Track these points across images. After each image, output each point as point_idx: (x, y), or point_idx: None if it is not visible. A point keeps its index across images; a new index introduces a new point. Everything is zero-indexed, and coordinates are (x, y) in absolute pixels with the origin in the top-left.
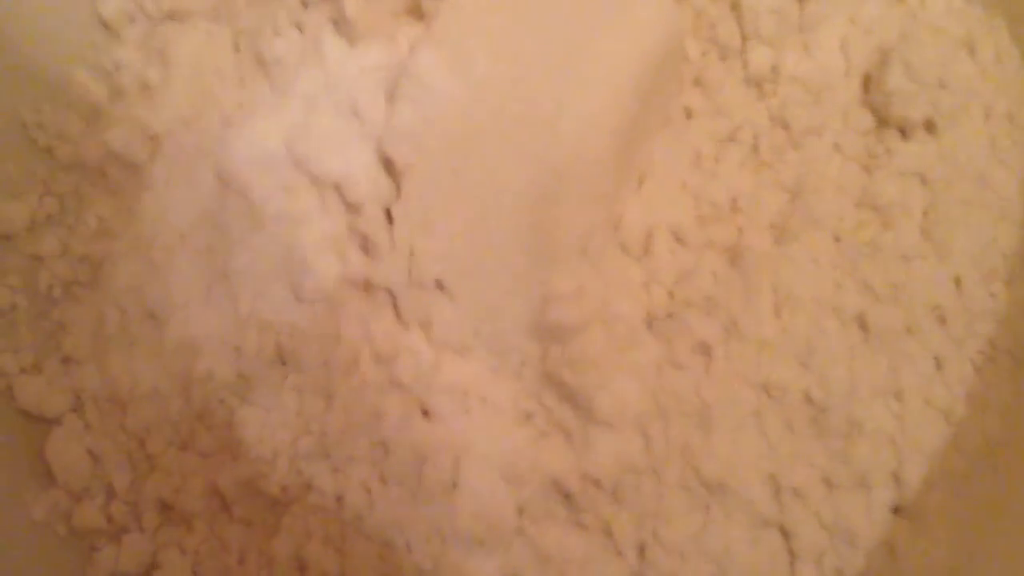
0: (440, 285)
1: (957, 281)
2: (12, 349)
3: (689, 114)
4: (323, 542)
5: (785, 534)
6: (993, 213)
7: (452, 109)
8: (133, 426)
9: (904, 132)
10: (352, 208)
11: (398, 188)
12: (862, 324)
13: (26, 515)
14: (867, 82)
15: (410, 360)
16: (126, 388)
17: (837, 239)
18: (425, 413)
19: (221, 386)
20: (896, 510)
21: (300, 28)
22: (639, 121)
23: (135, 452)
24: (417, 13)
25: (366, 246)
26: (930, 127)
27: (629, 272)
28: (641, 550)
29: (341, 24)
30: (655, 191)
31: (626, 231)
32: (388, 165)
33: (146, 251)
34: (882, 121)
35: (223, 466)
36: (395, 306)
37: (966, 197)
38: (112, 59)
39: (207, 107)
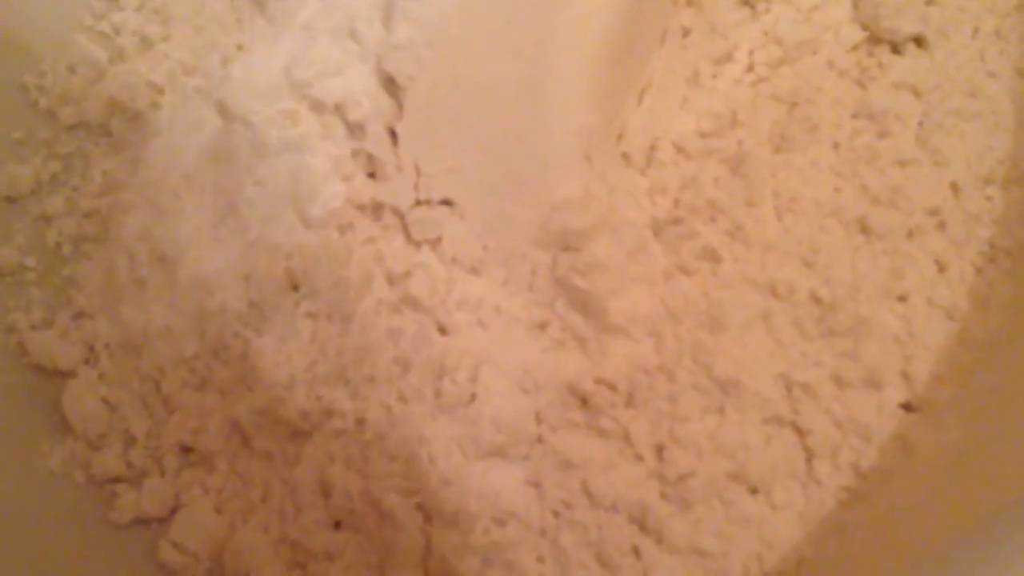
0: (448, 201)
1: (954, 186)
2: (23, 307)
3: (686, 33)
4: (346, 464)
5: (799, 431)
6: (985, 122)
7: (448, 21)
8: (148, 370)
9: (895, 47)
10: (356, 130)
11: (400, 106)
12: (863, 227)
13: (43, 465)
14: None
15: (423, 278)
16: (139, 332)
17: (835, 146)
18: (441, 329)
19: (235, 318)
20: (906, 406)
21: None
22: (633, 30)
23: (151, 397)
24: None
25: (372, 168)
26: (920, 42)
27: (634, 182)
28: (659, 451)
29: None
30: (656, 106)
31: (629, 143)
32: (389, 84)
33: (153, 197)
34: (873, 37)
35: (241, 399)
36: (404, 225)
37: (958, 108)
38: (112, 23)
39: (207, 53)
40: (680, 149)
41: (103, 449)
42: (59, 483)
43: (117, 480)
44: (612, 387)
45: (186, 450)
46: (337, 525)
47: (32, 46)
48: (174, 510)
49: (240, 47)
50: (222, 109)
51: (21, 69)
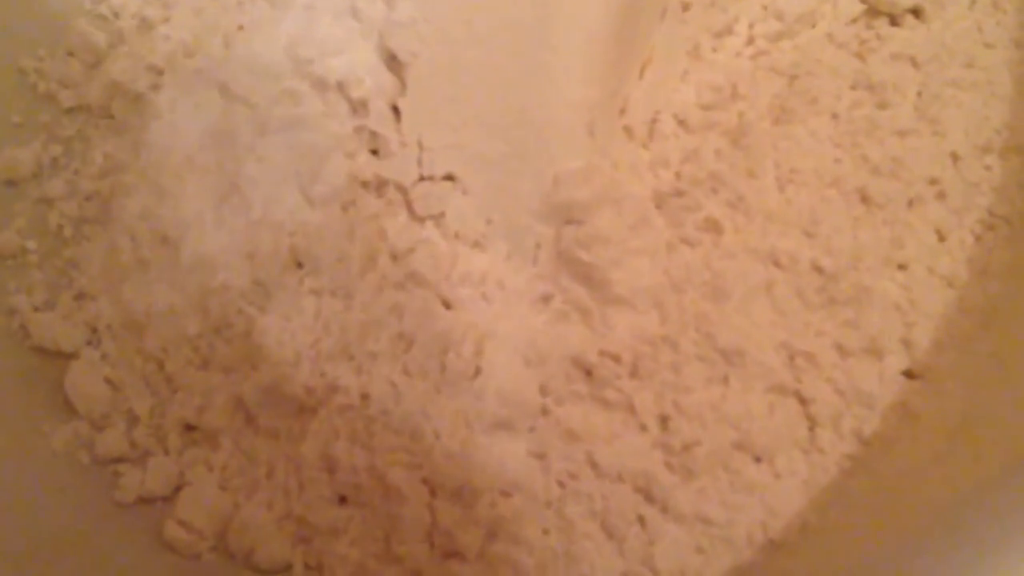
0: (451, 177)
1: (953, 156)
2: (24, 289)
3: (686, 7)
4: (351, 440)
5: (801, 400)
6: (983, 92)
7: None
8: (151, 349)
9: (893, 19)
10: (358, 108)
11: (403, 83)
12: (864, 197)
13: (47, 447)
14: None
15: (426, 253)
16: (141, 312)
17: (835, 117)
18: (445, 304)
19: (238, 296)
20: (908, 373)
21: None
22: (634, 4)
23: (154, 376)
24: None
25: (375, 145)
26: (918, 13)
27: (636, 155)
28: (663, 421)
29: None
30: (657, 79)
31: (631, 117)
32: (391, 61)
33: (155, 178)
34: (871, 9)
35: (245, 377)
36: (407, 202)
37: (956, 78)
38: (111, 6)
39: (208, 34)
40: (681, 122)
41: (106, 429)
42: (63, 464)
43: (121, 460)
44: (616, 358)
45: (190, 429)
46: (342, 500)
47: (31, 30)
48: (178, 489)
49: (241, 28)
50: (224, 90)
51: (20, 53)
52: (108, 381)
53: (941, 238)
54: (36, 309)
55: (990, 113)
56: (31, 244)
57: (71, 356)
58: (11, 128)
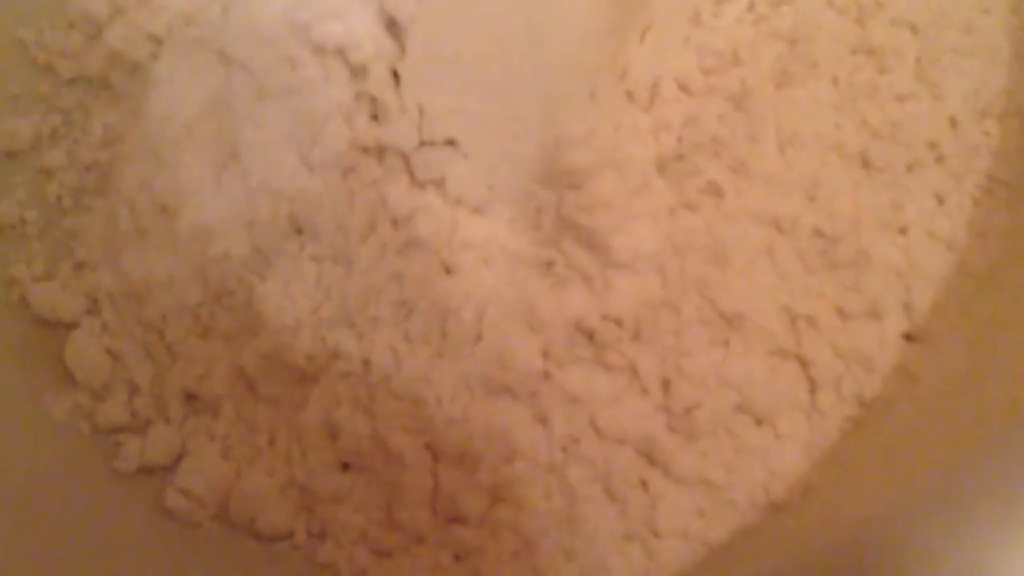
0: (451, 141)
1: (952, 120)
2: (24, 260)
3: None
4: (353, 406)
5: (802, 363)
6: (981, 58)
7: None
8: (151, 319)
9: None
10: (358, 73)
11: (402, 47)
12: (864, 161)
13: (47, 417)
14: None
15: (427, 219)
16: (141, 282)
17: (835, 82)
18: (446, 269)
19: (238, 264)
20: (908, 336)
21: None
22: None
23: (154, 346)
24: None
25: (374, 111)
26: None
27: (637, 119)
28: (665, 384)
29: None
30: (658, 44)
31: (632, 82)
32: (391, 25)
33: (154, 148)
34: None
35: (246, 345)
36: (408, 167)
37: (955, 44)
38: None
39: (206, 2)
40: (683, 86)
41: (107, 399)
42: (64, 434)
43: (121, 429)
44: (618, 322)
45: (191, 398)
46: (344, 467)
47: (29, 2)
48: (179, 458)
49: None
50: (223, 56)
51: (20, 25)
52: (108, 351)
53: (940, 202)
54: (36, 279)
55: (988, 78)
56: (30, 215)
57: (71, 326)
58: (10, 99)
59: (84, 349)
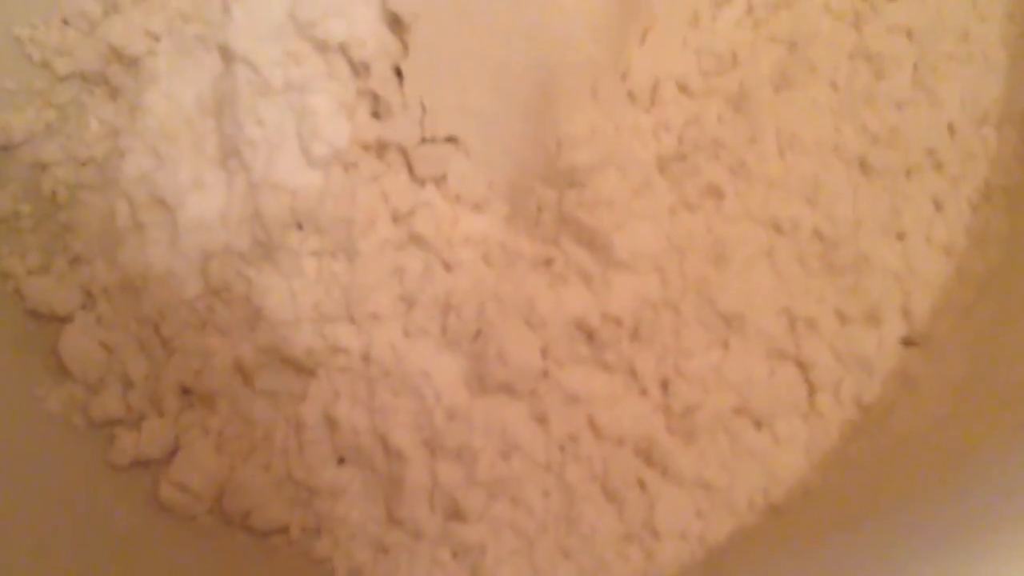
0: (453, 139)
1: (950, 127)
2: (18, 253)
3: None
4: (352, 401)
5: (801, 365)
6: (978, 65)
7: None
8: (147, 312)
9: None
10: (361, 69)
11: (405, 45)
12: (863, 165)
13: (42, 409)
14: None
15: (427, 215)
16: (138, 275)
17: (834, 86)
18: (445, 266)
19: (238, 258)
20: (907, 341)
21: None
22: None
23: (150, 339)
24: None
25: (376, 108)
26: None
27: (638, 120)
28: (664, 385)
29: None
30: (658, 46)
31: (633, 82)
32: (394, 23)
33: (152, 143)
34: None
35: (244, 339)
36: (408, 164)
37: (952, 51)
38: None
39: (206, 1)
40: (683, 88)
41: (101, 392)
42: (58, 426)
43: (116, 423)
44: (618, 322)
45: (186, 391)
46: (342, 462)
47: (23, 0)
48: (174, 451)
49: None
50: (225, 52)
51: (13, 22)
52: (103, 344)
53: (939, 207)
54: (30, 272)
55: (986, 85)
56: (25, 208)
57: (65, 319)
58: (5, 94)
59: (78, 342)
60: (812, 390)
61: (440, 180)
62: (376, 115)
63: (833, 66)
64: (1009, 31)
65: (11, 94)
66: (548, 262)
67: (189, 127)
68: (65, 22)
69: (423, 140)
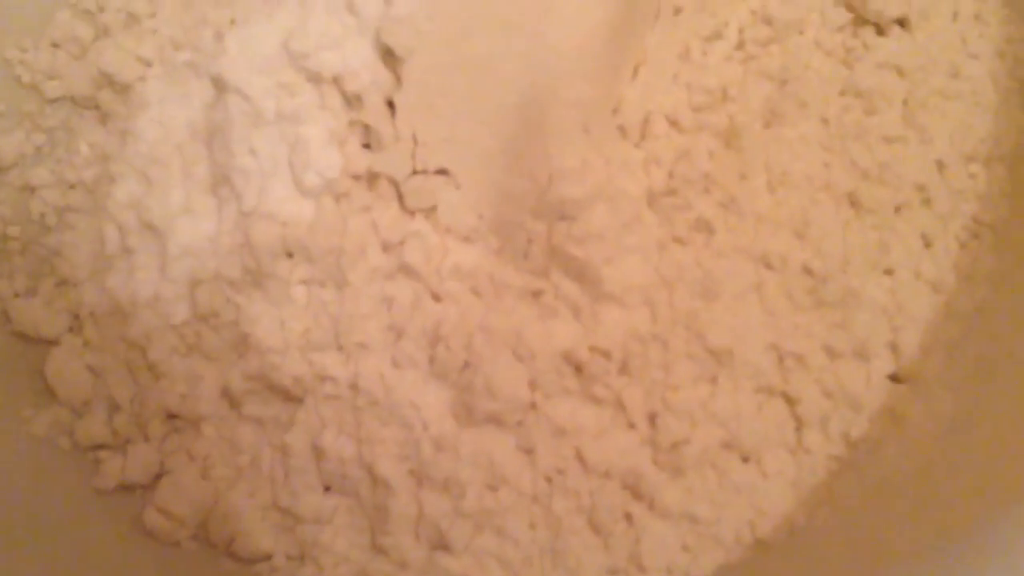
0: (444, 171)
1: (939, 163)
2: (6, 275)
3: (677, 11)
4: (338, 429)
5: (789, 400)
6: (968, 102)
7: None
8: (135, 337)
9: (879, 28)
10: (353, 101)
11: (398, 78)
12: (853, 201)
13: (27, 431)
14: None
15: (417, 246)
16: (126, 300)
17: (824, 122)
18: (434, 297)
19: (227, 285)
20: (894, 377)
21: None
22: (630, 6)
23: (137, 364)
24: None
25: (368, 139)
26: (904, 23)
27: (629, 154)
28: (652, 418)
29: None
30: (650, 81)
31: (624, 117)
32: (387, 56)
33: (143, 168)
34: (858, 18)
35: (232, 365)
36: (399, 195)
37: (942, 87)
38: (96, 1)
39: (197, 27)
40: (673, 123)
41: (87, 416)
42: (43, 449)
43: (101, 447)
44: (606, 355)
45: (172, 416)
46: (327, 490)
47: (14, 22)
48: (159, 476)
49: (233, 21)
50: (218, 82)
51: (3, 44)
52: (89, 368)
53: (927, 244)
54: (17, 295)
55: (975, 122)
56: (13, 231)
57: (52, 342)
58: None
59: (65, 365)
60: (800, 425)
61: (430, 211)
62: (368, 146)
63: (823, 102)
64: (999, 69)
65: (0, 116)
66: (537, 294)
67: (179, 153)
68: (55, 45)
69: (414, 172)
